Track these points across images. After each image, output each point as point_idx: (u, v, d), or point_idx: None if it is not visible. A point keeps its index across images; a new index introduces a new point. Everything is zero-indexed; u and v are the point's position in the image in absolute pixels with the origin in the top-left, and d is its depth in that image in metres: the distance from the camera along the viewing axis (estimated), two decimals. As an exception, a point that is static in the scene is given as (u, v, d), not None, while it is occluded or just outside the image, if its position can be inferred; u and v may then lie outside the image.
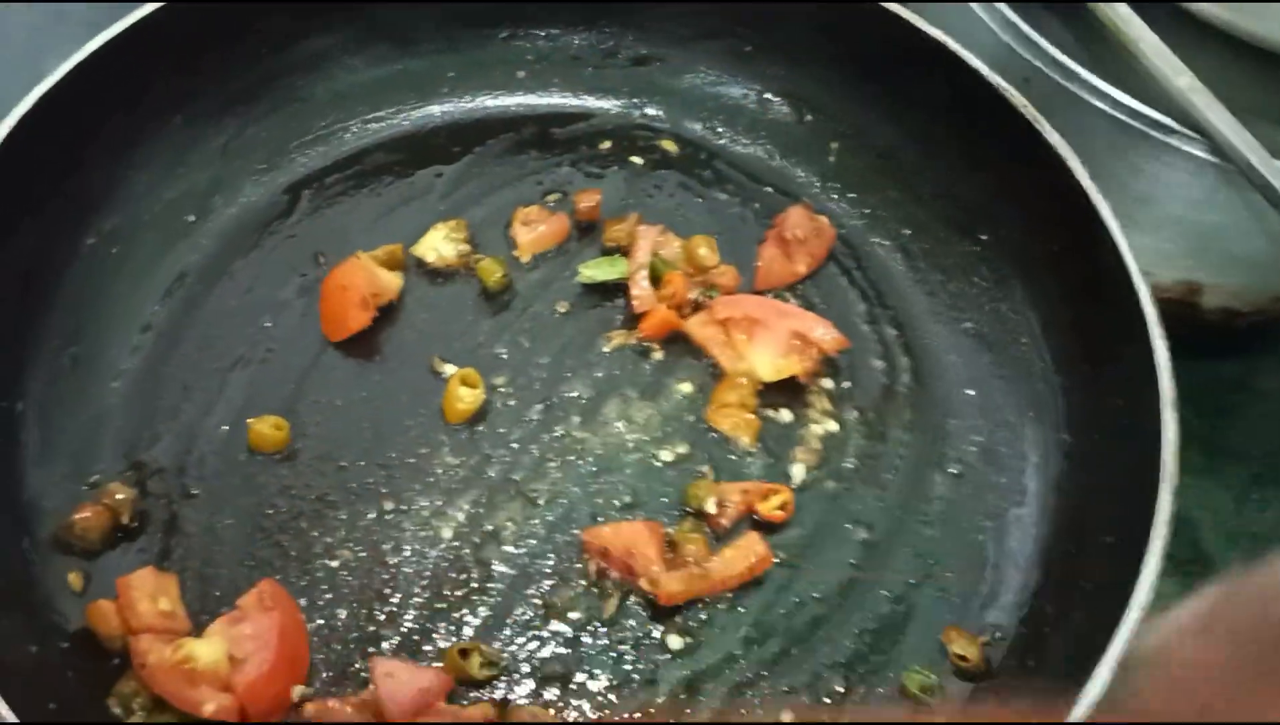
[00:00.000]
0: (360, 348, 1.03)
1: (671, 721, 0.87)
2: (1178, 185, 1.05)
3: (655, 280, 1.05)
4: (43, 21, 1.27)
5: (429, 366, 1.02)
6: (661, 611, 0.91)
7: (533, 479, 0.97)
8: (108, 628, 0.86)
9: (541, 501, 0.96)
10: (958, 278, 1.09)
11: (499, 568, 0.93)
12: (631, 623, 0.91)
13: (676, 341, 1.05)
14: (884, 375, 1.05)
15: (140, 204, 1.06)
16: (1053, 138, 0.98)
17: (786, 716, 0.87)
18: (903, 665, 0.90)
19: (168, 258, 1.06)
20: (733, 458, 0.99)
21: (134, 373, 1.00)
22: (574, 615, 0.91)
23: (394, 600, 0.91)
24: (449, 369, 1.01)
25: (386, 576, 0.92)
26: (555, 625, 0.90)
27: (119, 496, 0.92)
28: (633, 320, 1.06)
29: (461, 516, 0.95)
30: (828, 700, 0.88)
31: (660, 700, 0.88)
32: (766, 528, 0.95)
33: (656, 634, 0.90)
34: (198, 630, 0.87)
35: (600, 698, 0.88)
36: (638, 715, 0.87)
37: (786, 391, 1.02)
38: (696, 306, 1.05)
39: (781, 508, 0.95)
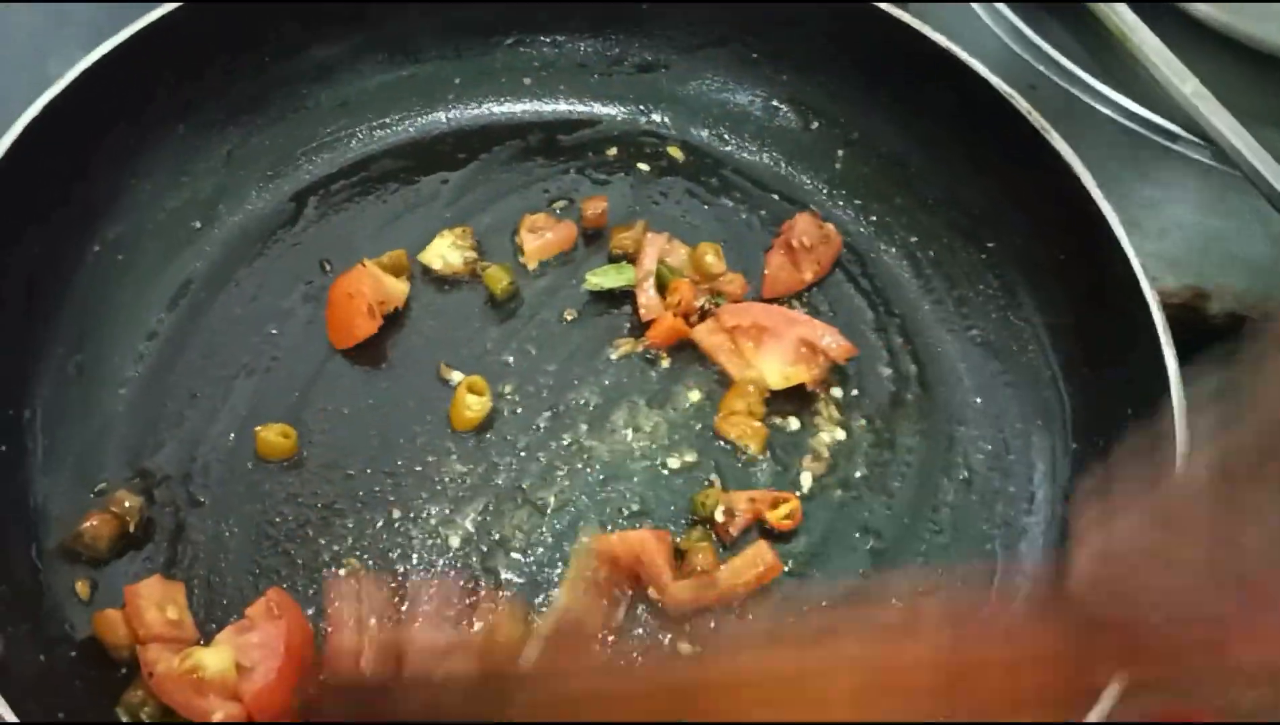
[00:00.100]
0: (367, 355, 1.02)
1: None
2: (1183, 191, 1.06)
3: (662, 288, 1.05)
4: (45, 24, 1.27)
5: (436, 374, 1.02)
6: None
7: (540, 487, 0.97)
8: (115, 637, 0.86)
9: (549, 509, 0.96)
10: (965, 285, 1.09)
11: (507, 575, 0.93)
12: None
13: (684, 349, 1.05)
14: (891, 383, 1.04)
15: (145, 212, 1.06)
16: (1059, 144, 0.98)
17: None
18: (912, 674, 0.89)
19: (173, 265, 1.06)
20: (740, 466, 0.99)
21: (140, 380, 1.00)
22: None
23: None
24: (456, 376, 1.01)
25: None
26: (563, 633, 0.90)
27: (126, 504, 0.92)
28: (640, 328, 1.05)
29: (469, 524, 0.95)
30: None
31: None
32: (775, 536, 0.95)
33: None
34: (205, 639, 0.87)
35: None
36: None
37: (794, 399, 1.02)
38: (704, 314, 1.05)
39: (789, 517, 0.95)
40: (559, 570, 0.93)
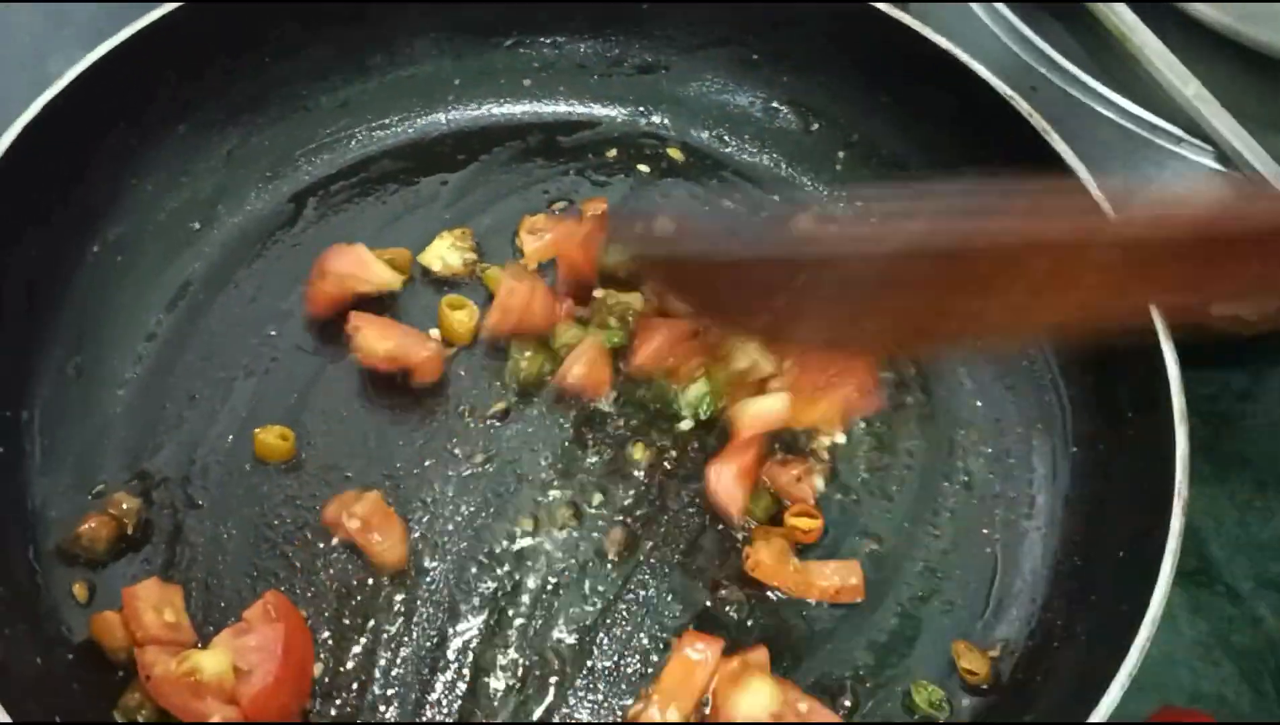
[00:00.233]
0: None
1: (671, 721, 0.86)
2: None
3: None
4: (45, 24, 1.27)
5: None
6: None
7: (549, 471, 0.97)
8: (113, 639, 0.86)
9: (554, 496, 0.96)
10: (965, 288, 1.09)
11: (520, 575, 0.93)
12: (642, 637, 0.91)
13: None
14: (892, 387, 1.04)
15: (144, 213, 1.05)
16: (1060, 146, 0.98)
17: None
18: (911, 679, 0.89)
19: (172, 266, 1.06)
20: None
21: (138, 382, 1.00)
22: (588, 619, 0.90)
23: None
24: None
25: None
26: (559, 635, 0.90)
27: (124, 506, 0.92)
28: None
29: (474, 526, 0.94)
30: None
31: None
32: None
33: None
34: (203, 642, 0.87)
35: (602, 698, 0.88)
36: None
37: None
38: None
39: (809, 532, 0.95)
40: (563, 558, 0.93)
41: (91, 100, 0.97)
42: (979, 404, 1.04)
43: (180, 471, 0.95)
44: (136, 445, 0.96)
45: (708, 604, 0.92)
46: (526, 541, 0.94)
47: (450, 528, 0.94)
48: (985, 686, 0.89)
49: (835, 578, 0.92)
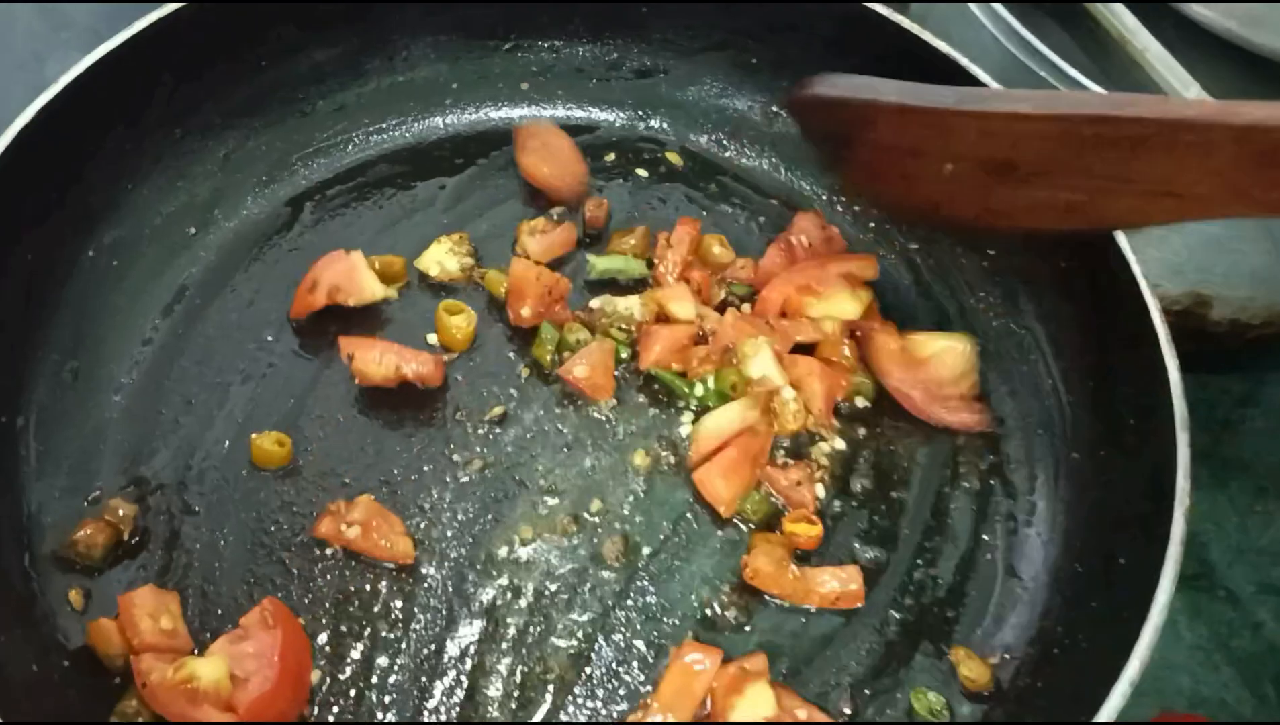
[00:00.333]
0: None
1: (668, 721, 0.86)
2: (1185, 198, 1.05)
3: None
4: (43, 27, 1.27)
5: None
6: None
7: (547, 475, 0.97)
8: (109, 646, 0.86)
9: (552, 502, 0.95)
10: (965, 293, 1.09)
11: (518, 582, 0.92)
12: (640, 644, 0.90)
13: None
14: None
15: (141, 217, 1.05)
16: (1061, 150, 0.97)
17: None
18: (911, 686, 0.89)
19: (168, 271, 1.06)
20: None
21: (134, 387, 1.00)
22: (587, 626, 0.90)
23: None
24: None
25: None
26: (557, 641, 0.90)
27: (120, 512, 0.92)
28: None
29: (472, 532, 0.94)
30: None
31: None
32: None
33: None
34: (200, 649, 0.87)
35: (600, 705, 0.87)
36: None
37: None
38: (724, 305, 1.05)
39: (808, 539, 0.94)
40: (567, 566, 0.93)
41: (89, 103, 0.97)
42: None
43: (177, 477, 0.95)
44: (132, 451, 0.96)
45: (707, 611, 0.91)
46: (525, 548, 0.93)
47: (448, 534, 0.94)
48: (985, 693, 0.89)
49: (835, 584, 0.92)
